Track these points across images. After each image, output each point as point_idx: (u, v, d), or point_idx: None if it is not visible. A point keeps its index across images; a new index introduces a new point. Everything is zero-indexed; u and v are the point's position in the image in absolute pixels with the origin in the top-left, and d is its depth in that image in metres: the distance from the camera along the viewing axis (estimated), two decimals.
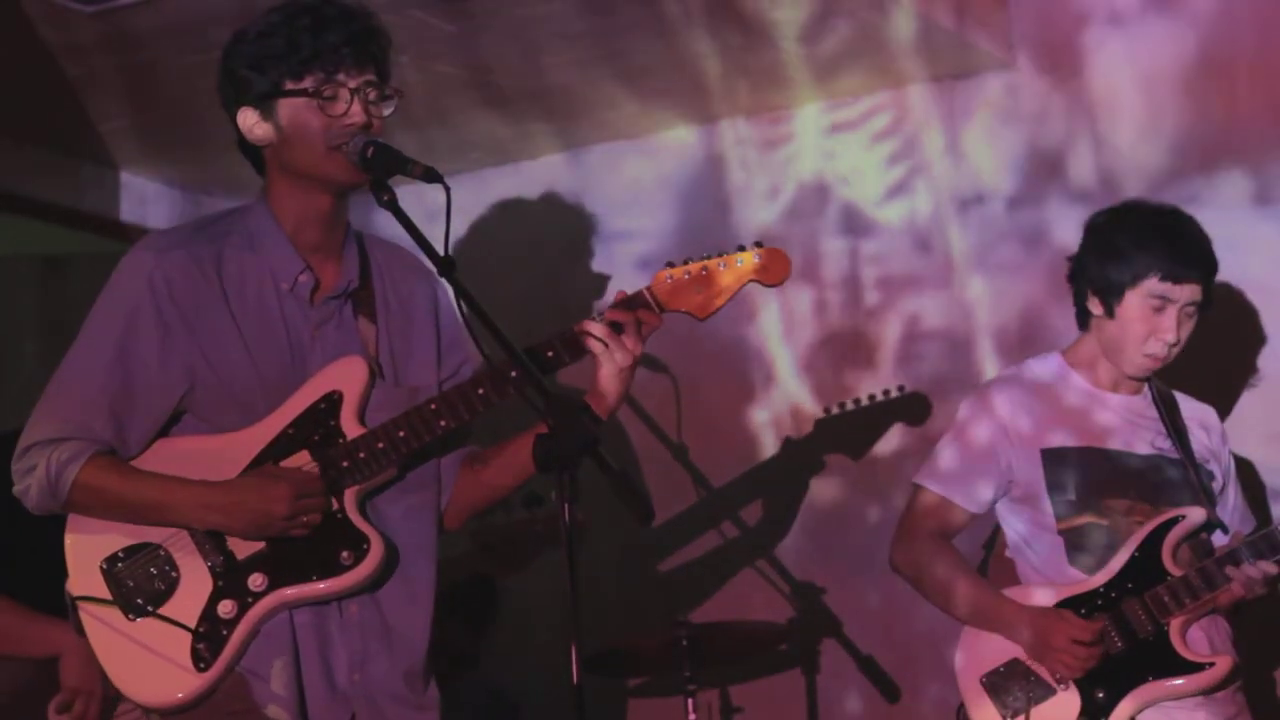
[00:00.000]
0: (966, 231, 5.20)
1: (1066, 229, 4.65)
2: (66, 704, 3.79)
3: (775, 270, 3.15)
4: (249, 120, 3.06)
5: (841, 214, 5.37)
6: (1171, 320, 3.81)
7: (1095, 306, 3.90)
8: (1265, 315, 4.82)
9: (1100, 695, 3.73)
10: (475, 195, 5.68)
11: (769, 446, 5.38)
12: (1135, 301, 3.82)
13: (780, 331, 5.42)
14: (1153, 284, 3.80)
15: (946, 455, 3.96)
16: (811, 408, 5.30)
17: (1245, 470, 4.51)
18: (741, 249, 3.15)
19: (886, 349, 5.29)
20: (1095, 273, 3.89)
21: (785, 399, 5.39)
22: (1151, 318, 3.81)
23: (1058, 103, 5.11)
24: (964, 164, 5.22)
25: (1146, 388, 3.95)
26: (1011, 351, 5.00)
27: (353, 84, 3.02)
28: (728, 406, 5.43)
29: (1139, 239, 3.84)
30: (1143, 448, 3.89)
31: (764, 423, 5.40)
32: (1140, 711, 3.73)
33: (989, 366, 5.09)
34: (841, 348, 5.34)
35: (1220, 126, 4.90)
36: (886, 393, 5.07)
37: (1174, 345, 3.83)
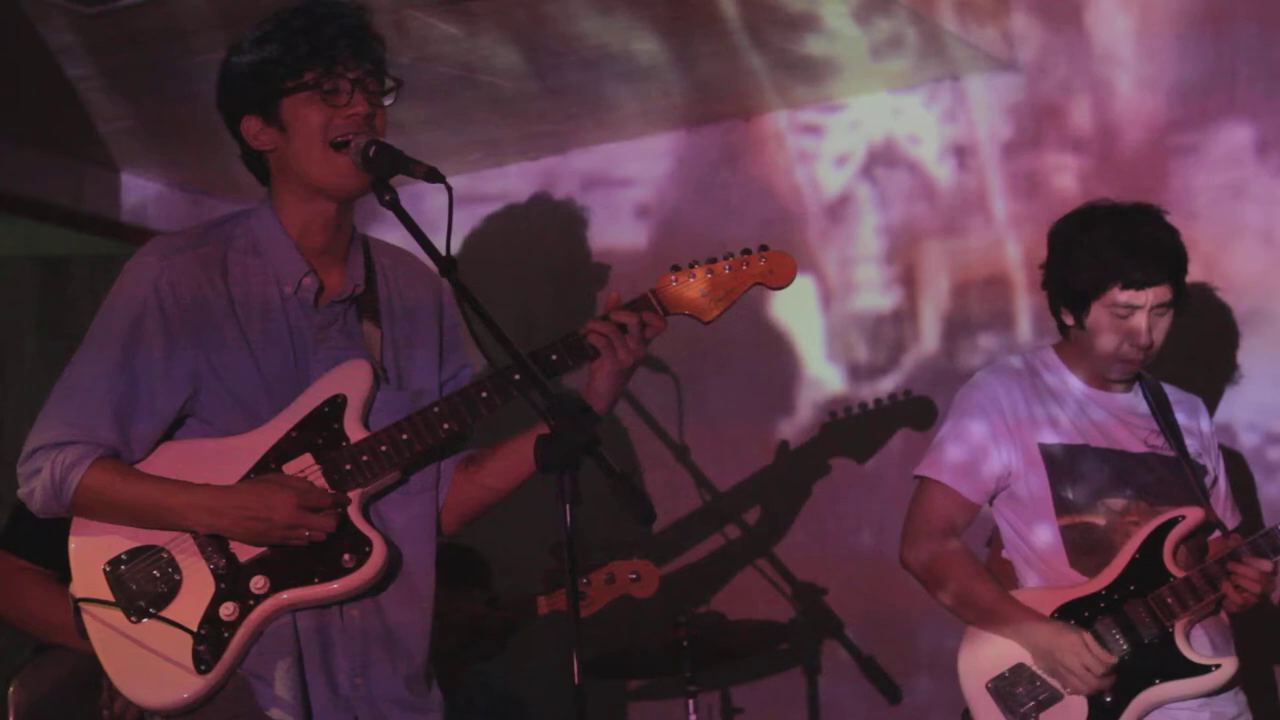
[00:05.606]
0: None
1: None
2: (109, 702, 3.76)
3: (781, 273, 3.15)
4: (253, 128, 3.05)
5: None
6: (1142, 324, 3.77)
7: (1067, 317, 3.88)
8: (1266, 266, 4.78)
9: (1107, 699, 3.72)
10: (476, 195, 5.68)
11: (773, 445, 5.38)
12: (1102, 312, 3.79)
13: (796, 324, 5.43)
14: (1115, 294, 3.76)
15: (948, 446, 3.92)
16: (826, 401, 5.31)
17: (1235, 463, 4.52)
18: (747, 252, 3.14)
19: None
20: (1060, 286, 3.87)
21: (799, 394, 5.39)
22: (1121, 325, 3.78)
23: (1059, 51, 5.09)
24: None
25: (1138, 385, 3.94)
26: None
27: (352, 74, 3.01)
28: (731, 405, 5.42)
29: (1095, 250, 3.78)
30: (1136, 446, 3.87)
31: (771, 420, 5.41)
32: (1147, 714, 3.72)
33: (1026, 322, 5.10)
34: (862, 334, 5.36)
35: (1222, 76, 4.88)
36: (893, 396, 5.07)
37: (1149, 347, 3.80)
